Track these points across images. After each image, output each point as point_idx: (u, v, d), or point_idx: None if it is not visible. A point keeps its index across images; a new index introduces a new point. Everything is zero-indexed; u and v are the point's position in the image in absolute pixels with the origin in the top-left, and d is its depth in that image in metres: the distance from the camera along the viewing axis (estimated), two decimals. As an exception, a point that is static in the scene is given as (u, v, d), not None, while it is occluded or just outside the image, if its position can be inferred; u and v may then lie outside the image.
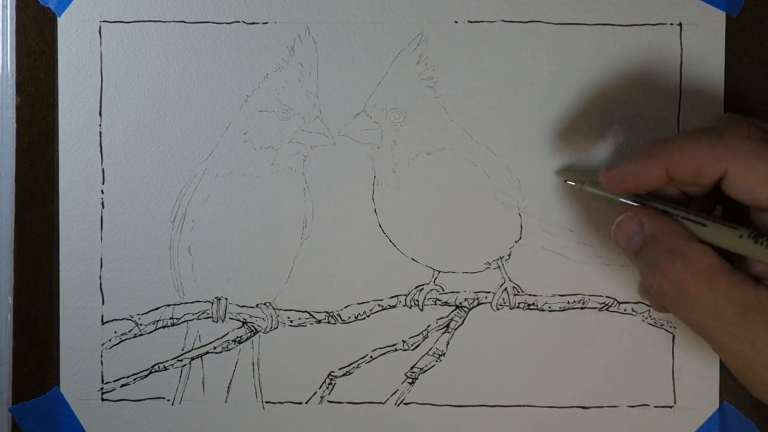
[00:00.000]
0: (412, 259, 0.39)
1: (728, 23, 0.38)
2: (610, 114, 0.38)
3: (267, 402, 0.39)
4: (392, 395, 0.39)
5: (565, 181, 0.37)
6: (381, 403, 0.39)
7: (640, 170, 0.31)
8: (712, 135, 0.29)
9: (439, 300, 0.39)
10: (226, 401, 0.39)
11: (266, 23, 0.39)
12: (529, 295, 0.39)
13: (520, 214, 0.39)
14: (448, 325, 0.39)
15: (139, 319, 0.39)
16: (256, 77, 0.39)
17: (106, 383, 0.39)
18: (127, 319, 0.39)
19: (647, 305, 0.39)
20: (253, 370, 0.39)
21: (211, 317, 0.39)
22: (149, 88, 0.39)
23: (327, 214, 0.39)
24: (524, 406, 0.39)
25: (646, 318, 0.39)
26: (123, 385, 0.39)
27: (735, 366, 0.30)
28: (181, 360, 0.39)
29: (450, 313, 0.39)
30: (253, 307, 0.39)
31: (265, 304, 0.39)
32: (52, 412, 0.39)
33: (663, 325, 0.39)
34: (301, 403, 0.39)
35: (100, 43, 0.39)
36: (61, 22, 0.39)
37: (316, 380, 0.39)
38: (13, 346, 0.39)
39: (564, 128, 0.38)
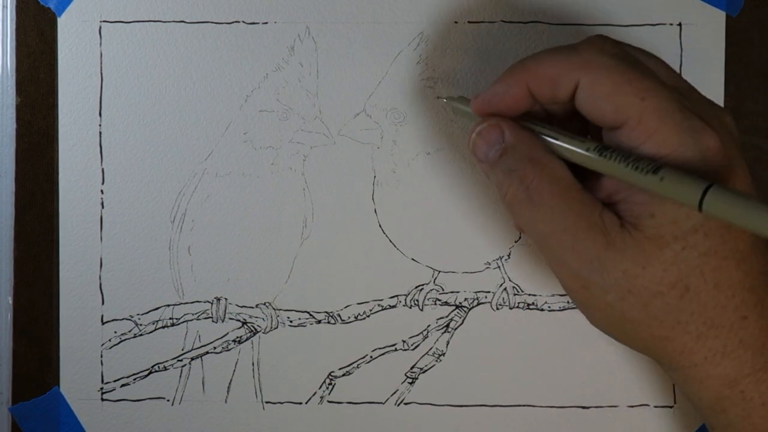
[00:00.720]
0: (412, 259, 0.39)
1: (728, 23, 0.38)
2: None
3: (267, 402, 0.39)
4: (392, 395, 0.39)
5: (437, 97, 0.37)
6: (381, 403, 0.39)
7: (503, 89, 0.31)
8: (568, 49, 0.30)
9: (439, 300, 0.39)
10: (226, 401, 0.39)
11: (266, 23, 0.39)
12: (529, 294, 0.39)
13: (520, 214, 0.39)
14: (448, 325, 0.39)
15: (139, 319, 0.39)
16: (256, 77, 0.39)
17: (106, 383, 0.39)
18: (127, 319, 0.39)
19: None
20: (253, 370, 0.39)
21: (211, 317, 0.39)
22: (149, 88, 0.39)
23: (327, 214, 0.39)
24: (524, 406, 0.39)
25: (646, 318, 0.39)
26: (123, 385, 0.39)
27: (572, 288, 0.30)
28: (181, 360, 0.39)
29: (450, 313, 0.39)
30: (253, 307, 0.39)
31: (265, 304, 0.39)
32: (52, 412, 0.39)
33: (663, 325, 0.39)
34: (301, 403, 0.39)
35: (100, 43, 0.39)
36: (61, 22, 0.39)
37: (316, 380, 0.39)
38: (13, 346, 0.39)
39: (564, 128, 0.38)
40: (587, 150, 0.29)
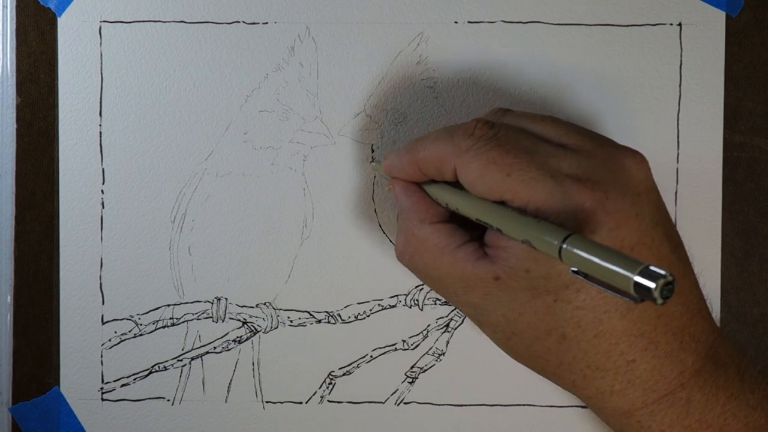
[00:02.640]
0: (412, 259, 0.39)
1: (728, 23, 0.38)
2: (609, 114, 0.38)
3: (267, 402, 0.39)
4: (392, 395, 0.39)
5: (370, 162, 0.39)
6: (381, 402, 0.39)
7: (399, 165, 0.34)
8: (447, 134, 0.31)
9: (439, 299, 0.39)
10: (226, 401, 0.40)
11: (266, 23, 0.39)
12: (529, 295, 0.39)
13: (520, 214, 0.39)
14: (447, 325, 0.39)
15: (139, 319, 0.39)
16: (256, 77, 0.39)
17: (106, 383, 0.39)
18: (127, 319, 0.39)
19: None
20: (253, 370, 0.39)
21: (211, 317, 0.39)
22: (149, 88, 0.39)
23: (327, 214, 0.39)
24: (524, 405, 0.39)
25: (646, 318, 0.39)
26: (123, 385, 0.39)
27: (470, 319, 0.33)
28: (181, 360, 0.39)
29: (450, 313, 0.39)
30: (253, 307, 0.39)
31: (265, 304, 0.39)
32: (52, 412, 0.39)
33: (663, 324, 0.39)
34: (301, 403, 0.39)
35: (100, 43, 0.39)
36: (61, 22, 0.39)
37: (316, 380, 0.39)
38: (13, 346, 0.39)
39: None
40: (475, 219, 0.31)
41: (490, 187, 0.29)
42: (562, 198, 0.28)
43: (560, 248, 0.26)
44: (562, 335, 0.29)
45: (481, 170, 0.29)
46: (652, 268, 0.23)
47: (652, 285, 0.23)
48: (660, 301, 0.23)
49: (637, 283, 0.23)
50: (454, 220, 0.33)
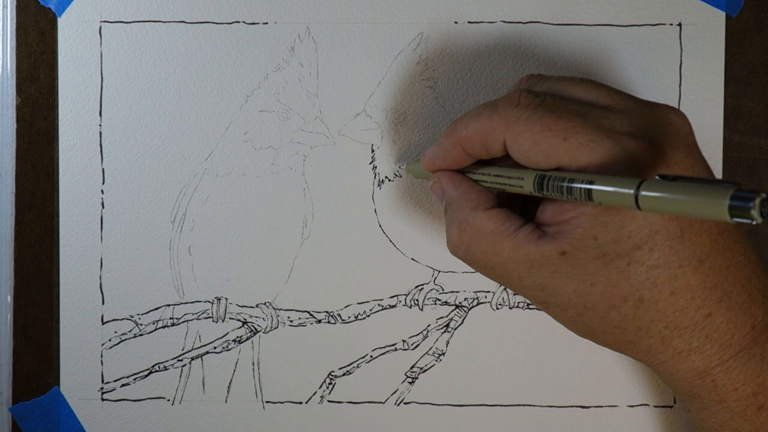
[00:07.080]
0: (412, 259, 0.39)
1: (728, 23, 0.38)
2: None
3: (267, 402, 0.39)
4: (392, 395, 0.39)
5: (399, 167, 0.39)
6: (381, 402, 0.39)
7: (442, 152, 0.33)
8: (490, 108, 0.31)
9: (439, 300, 0.39)
10: (226, 401, 0.40)
11: (266, 23, 0.39)
12: (529, 295, 0.39)
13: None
14: (447, 325, 0.39)
15: (139, 319, 0.39)
16: (256, 77, 0.39)
17: (106, 383, 0.39)
18: (127, 319, 0.39)
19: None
20: (253, 370, 0.39)
21: (211, 317, 0.39)
22: (149, 88, 0.39)
23: (327, 214, 0.39)
24: (524, 405, 0.39)
25: (646, 318, 0.39)
26: (123, 385, 0.39)
27: (536, 304, 0.32)
28: (181, 360, 0.39)
29: (450, 313, 0.39)
30: (253, 307, 0.39)
31: (265, 304, 0.39)
32: (52, 412, 0.39)
33: (663, 324, 0.39)
34: (301, 403, 0.39)
35: (100, 43, 0.39)
36: (61, 22, 0.39)
37: (316, 380, 0.39)
38: (13, 346, 0.39)
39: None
40: (530, 192, 0.30)
41: (546, 154, 0.29)
42: (624, 156, 0.28)
43: (636, 196, 0.25)
44: (639, 299, 0.29)
45: (535, 138, 0.29)
46: (745, 187, 0.23)
47: (750, 204, 0.22)
48: (759, 219, 0.22)
49: (732, 206, 0.22)
50: (506, 205, 0.32)
